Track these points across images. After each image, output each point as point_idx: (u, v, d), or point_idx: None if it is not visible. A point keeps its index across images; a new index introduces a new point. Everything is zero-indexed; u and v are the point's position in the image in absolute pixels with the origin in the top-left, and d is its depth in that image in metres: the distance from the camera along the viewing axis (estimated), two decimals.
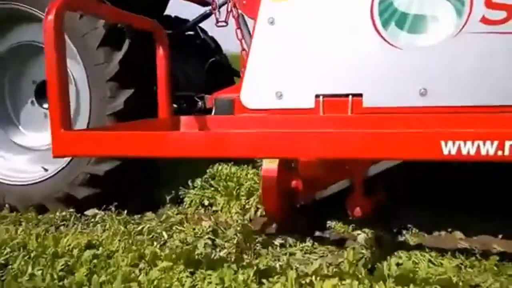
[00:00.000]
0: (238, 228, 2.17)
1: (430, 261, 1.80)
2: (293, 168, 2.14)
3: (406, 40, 1.57)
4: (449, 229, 2.15)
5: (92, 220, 2.45)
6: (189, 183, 2.78)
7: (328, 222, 2.31)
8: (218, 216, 2.44)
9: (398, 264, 1.76)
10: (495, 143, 1.21)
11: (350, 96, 1.60)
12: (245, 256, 1.87)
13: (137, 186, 2.72)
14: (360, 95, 1.60)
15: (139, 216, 2.52)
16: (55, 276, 1.65)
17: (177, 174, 2.95)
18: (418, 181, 2.50)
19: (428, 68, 1.54)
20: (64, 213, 2.52)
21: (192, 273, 1.67)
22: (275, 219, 2.25)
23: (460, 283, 1.57)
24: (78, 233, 2.18)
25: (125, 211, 2.56)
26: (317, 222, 2.31)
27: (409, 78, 1.55)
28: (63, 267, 1.74)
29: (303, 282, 1.55)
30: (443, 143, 1.22)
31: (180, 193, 2.73)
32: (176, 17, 3.74)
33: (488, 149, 1.21)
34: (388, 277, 1.55)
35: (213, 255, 1.88)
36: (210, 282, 1.59)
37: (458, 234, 2.11)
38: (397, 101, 1.54)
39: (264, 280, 1.59)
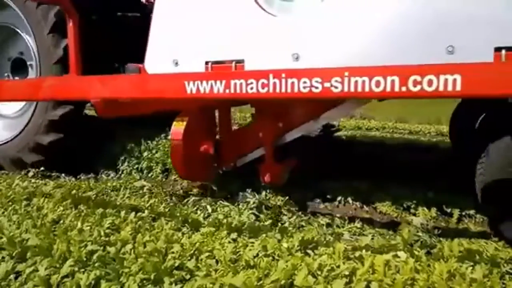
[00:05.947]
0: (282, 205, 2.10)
1: (497, 249, 1.60)
2: (206, 131, 2.25)
3: (279, 7, 1.67)
4: None
5: (140, 191, 2.51)
6: None
7: (378, 204, 2.16)
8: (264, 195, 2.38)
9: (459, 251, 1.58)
10: (223, 82, 1.35)
11: (234, 62, 1.73)
12: (290, 228, 1.79)
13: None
14: (242, 61, 1.72)
15: (185, 190, 2.54)
16: (102, 233, 1.69)
17: None
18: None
19: (299, 34, 1.62)
20: (115, 184, 2.62)
21: (235, 240, 1.63)
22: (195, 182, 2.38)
23: None
24: (125, 198, 2.23)
25: (171, 186, 2.62)
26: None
27: (282, 43, 1.64)
28: (109, 225, 1.78)
29: (352, 256, 1.44)
30: (186, 83, 1.45)
31: (226, 170, 2.71)
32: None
33: (219, 88, 1.38)
34: (449, 257, 1.39)
35: (256, 225, 1.83)
36: (252, 249, 1.52)
37: None
38: (273, 66, 1.57)
39: (309, 251, 1.50)
